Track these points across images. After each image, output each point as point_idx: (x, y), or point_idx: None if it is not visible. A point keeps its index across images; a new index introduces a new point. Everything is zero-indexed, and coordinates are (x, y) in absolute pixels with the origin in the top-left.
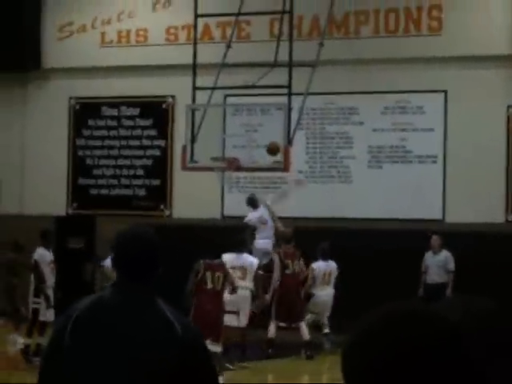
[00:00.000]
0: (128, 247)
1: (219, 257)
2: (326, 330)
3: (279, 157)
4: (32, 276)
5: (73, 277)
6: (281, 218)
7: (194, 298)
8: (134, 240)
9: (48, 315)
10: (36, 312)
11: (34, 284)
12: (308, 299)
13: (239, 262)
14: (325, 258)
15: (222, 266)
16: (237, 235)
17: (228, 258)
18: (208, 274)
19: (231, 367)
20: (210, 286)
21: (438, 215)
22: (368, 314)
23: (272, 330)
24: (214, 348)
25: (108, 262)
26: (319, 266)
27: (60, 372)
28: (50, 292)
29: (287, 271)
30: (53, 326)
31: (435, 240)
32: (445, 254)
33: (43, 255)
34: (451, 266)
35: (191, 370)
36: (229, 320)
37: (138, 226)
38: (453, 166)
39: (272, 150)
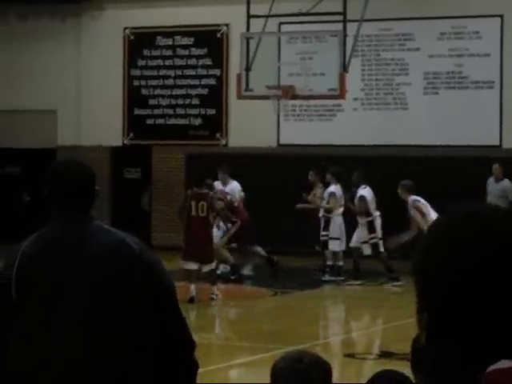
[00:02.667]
0: (62, 177)
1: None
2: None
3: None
4: None
5: (130, 206)
6: (334, 146)
7: (185, 225)
8: (68, 170)
9: None
10: None
11: None
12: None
13: (340, 193)
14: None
15: (207, 195)
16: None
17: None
18: (193, 202)
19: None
20: (194, 213)
21: (495, 141)
22: (448, 211)
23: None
24: (208, 267)
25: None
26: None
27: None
28: None
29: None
30: None
31: (496, 169)
32: (506, 184)
33: None
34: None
35: (153, 286)
36: (332, 246)
37: (71, 158)
38: (510, 91)
39: None
